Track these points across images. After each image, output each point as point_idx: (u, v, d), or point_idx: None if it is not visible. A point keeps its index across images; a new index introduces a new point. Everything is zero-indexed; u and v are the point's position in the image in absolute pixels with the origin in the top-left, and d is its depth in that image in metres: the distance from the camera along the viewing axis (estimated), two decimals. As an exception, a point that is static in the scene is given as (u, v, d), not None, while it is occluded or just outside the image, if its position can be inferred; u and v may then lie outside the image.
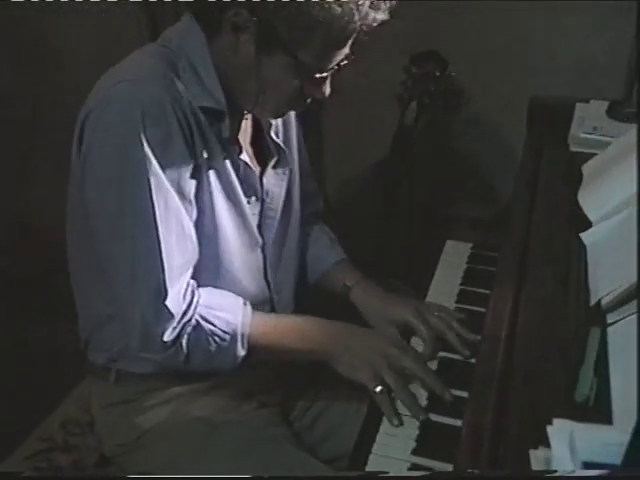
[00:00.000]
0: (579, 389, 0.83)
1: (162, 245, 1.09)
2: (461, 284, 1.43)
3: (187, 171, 1.12)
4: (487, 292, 1.34)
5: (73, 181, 1.18)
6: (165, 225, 1.09)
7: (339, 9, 1.05)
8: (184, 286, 1.13)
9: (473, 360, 1.17)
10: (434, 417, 1.10)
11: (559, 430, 0.65)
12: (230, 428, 1.24)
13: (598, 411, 0.80)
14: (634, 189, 1.10)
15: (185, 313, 1.12)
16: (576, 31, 1.80)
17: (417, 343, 1.24)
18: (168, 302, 1.10)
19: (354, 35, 1.10)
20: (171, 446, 1.24)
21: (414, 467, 1.05)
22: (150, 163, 1.07)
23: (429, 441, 1.07)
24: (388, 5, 1.09)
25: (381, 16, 1.09)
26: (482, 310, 1.28)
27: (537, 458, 0.65)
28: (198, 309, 1.14)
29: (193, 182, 1.13)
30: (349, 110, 2.02)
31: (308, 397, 1.35)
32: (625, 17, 1.63)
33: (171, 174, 1.09)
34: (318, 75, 1.13)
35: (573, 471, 0.59)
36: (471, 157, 2.00)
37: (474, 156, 2.00)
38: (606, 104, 1.56)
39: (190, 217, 1.14)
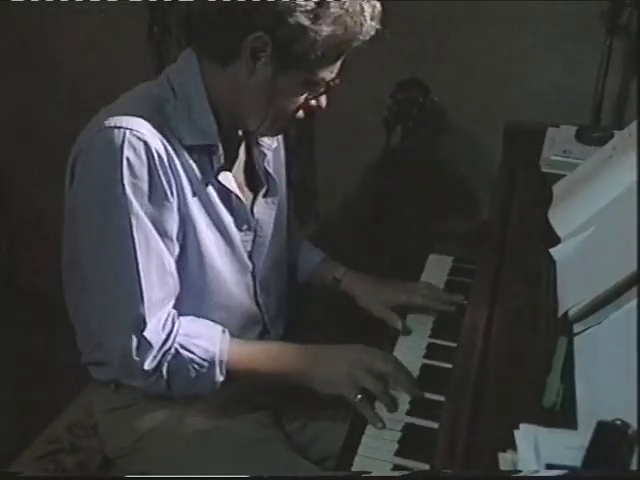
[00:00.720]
0: (547, 395, 0.83)
1: (142, 280, 1.09)
2: (443, 294, 1.45)
3: (168, 211, 1.12)
4: (466, 302, 1.36)
5: (66, 211, 1.19)
6: (146, 262, 1.10)
7: (350, 21, 1.08)
8: (164, 317, 1.13)
9: (451, 366, 1.18)
10: (415, 421, 1.10)
11: (525, 434, 0.65)
12: (223, 431, 1.23)
13: (564, 416, 0.80)
14: (599, 208, 1.11)
15: (165, 342, 1.12)
16: (549, 64, 1.82)
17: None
18: (146, 333, 1.10)
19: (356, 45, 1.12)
20: (167, 449, 1.24)
21: (397, 468, 1.04)
22: (131, 205, 1.08)
23: (410, 443, 1.07)
24: (379, 14, 1.12)
25: (376, 26, 1.11)
26: (462, 319, 1.31)
27: (505, 460, 0.65)
28: (178, 338, 1.13)
29: (175, 221, 1.13)
30: (340, 133, 2.03)
31: (298, 401, 1.34)
32: (591, 53, 1.66)
33: (152, 215, 1.10)
34: (324, 87, 1.15)
35: (537, 471, 0.58)
36: (452, 176, 2.01)
37: (455, 175, 2.01)
38: (574, 129, 1.55)
39: (171, 254, 1.14)
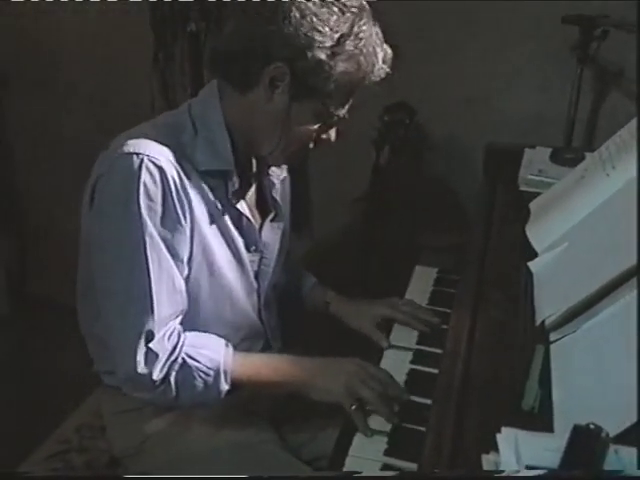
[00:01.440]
0: (525, 399, 0.83)
1: (154, 297, 1.10)
2: (428, 304, 1.44)
3: (180, 234, 1.12)
4: (450, 311, 1.37)
5: (83, 230, 1.19)
6: (157, 280, 1.10)
7: (364, 60, 1.10)
8: (170, 330, 1.12)
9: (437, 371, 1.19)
10: (405, 424, 1.09)
11: (506, 437, 0.65)
12: (224, 434, 1.23)
13: (542, 419, 0.80)
14: (572, 225, 1.12)
15: (172, 353, 1.11)
16: (526, 89, 1.82)
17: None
18: (152, 344, 1.10)
19: (367, 84, 1.13)
20: (172, 450, 1.23)
21: (386, 467, 1.04)
22: (146, 227, 1.08)
23: (399, 444, 1.07)
24: (390, 59, 1.14)
25: (387, 69, 1.14)
26: (445, 327, 1.31)
27: (488, 462, 0.65)
28: (184, 349, 1.13)
29: (186, 244, 1.13)
30: (333, 152, 2.02)
31: (293, 406, 1.33)
32: (564, 80, 1.66)
33: (165, 236, 1.10)
34: (334, 119, 1.16)
35: (517, 471, 0.58)
36: (436, 193, 2.01)
37: (439, 192, 2.01)
38: (549, 150, 1.57)
39: (181, 274, 1.14)
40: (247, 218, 1.23)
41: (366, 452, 1.08)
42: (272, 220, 1.30)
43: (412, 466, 1.03)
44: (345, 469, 1.05)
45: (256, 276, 1.30)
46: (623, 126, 1.26)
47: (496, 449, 0.66)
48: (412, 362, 1.25)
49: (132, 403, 1.26)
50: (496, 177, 1.55)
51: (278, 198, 1.31)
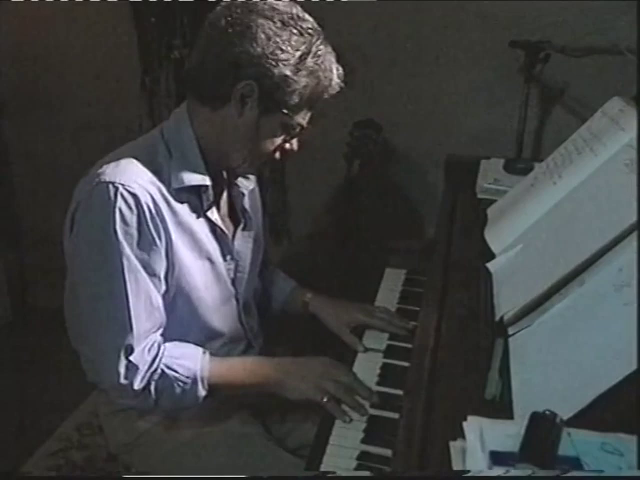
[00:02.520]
0: (488, 389, 0.83)
1: (132, 314, 1.08)
2: (398, 303, 1.43)
3: (156, 254, 1.10)
4: (418, 309, 1.36)
5: (66, 254, 1.17)
6: (135, 298, 1.08)
7: (322, 75, 1.10)
8: (150, 343, 1.11)
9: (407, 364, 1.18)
10: (379, 412, 1.09)
11: (471, 425, 0.65)
12: (212, 427, 1.21)
13: (503, 407, 0.79)
14: (525, 228, 1.12)
15: (151, 364, 1.10)
16: (480, 106, 1.84)
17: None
18: (132, 357, 1.08)
19: (326, 97, 1.14)
20: (164, 444, 1.21)
21: (363, 454, 1.03)
22: (123, 249, 1.06)
23: (375, 432, 1.06)
24: (342, 75, 1.14)
25: (342, 84, 1.14)
26: (415, 323, 1.30)
27: (455, 448, 0.64)
28: (163, 360, 1.11)
29: (163, 262, 1.12)
30: (308, 165, 2.03)
31: (277, 400, 1.33)
32: (514, 96, 1.67)
33: (141, 257, 1.08)
34: (298, 130, 1.15)
35: (481, 471, 0.57)
36: (402, 201, 2.02)
37: (405, 200, 2.01)
38: (502, 161, 1.58)
39: (158, 291, 1.12)
40: (220, 229, 1.21)
41: (345, 440, 1.07)
42: (243, 229, 1.29)
43: (387, 452, 1.02)
44: (326, 457, 1.05)
45: (233, 283, 1.28)
46: (566, 138, 1.27)
47: (463, 436, 0.65)
48: (384, 357, 1.25)
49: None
50: (456, 186, 1.55)
51: (248, 208, 1.30)
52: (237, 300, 1.30)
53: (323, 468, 1.02)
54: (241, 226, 1.29)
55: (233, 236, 1.27)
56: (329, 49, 1.13)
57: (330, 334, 1.39)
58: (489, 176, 1.51)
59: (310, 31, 1.09)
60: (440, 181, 1.68)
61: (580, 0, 1.65)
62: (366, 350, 1.27)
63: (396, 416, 1.06)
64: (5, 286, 2.49)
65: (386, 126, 1.87)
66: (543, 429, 0.58)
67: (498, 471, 0.56)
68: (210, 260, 1.21)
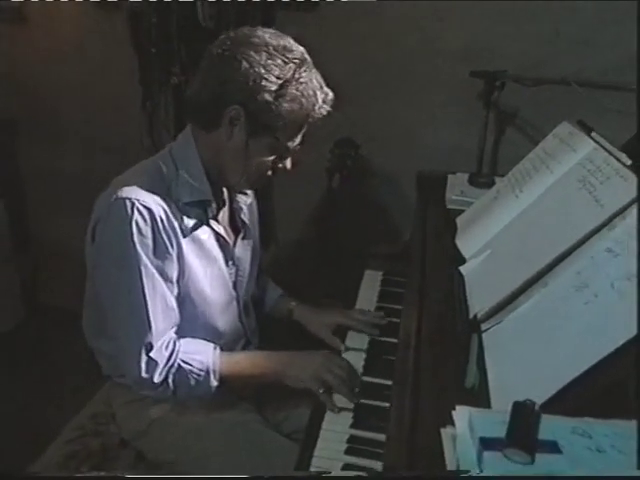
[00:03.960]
0: (467, 379, 0.83)
1: (150, 315, 1.08)
2: (377, 301, 1.44)
3: (169, 261, 1.10)
4: (395, 307, 1.37)
5: (88, 263, 1.15)
6: (152, 301, 1.08)
7: (305, 102, 1.08)
8: (167, 340, 1.10)
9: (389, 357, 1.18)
10: (367, 401, 1.09)
11: (461, 414, 0.64)
12: (215, 416, 1.20)
13: (481, 394, 0.79)
14: (492, 235, 1.12)
15: (169, 360, 1.10)
16: (446, 126, 1.84)
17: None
18: (152, 354, 1.08)
19: (311, 121, 1.12)
20: (172, 431, 1.20)
21: (352, 438, 1.03)
22: (141, 258, 1.06)
23: (362, 418, 1.07)
24: (331, 100, 1.12)
25: (328, 108, 1.12)
26: (393, 320, 1.31)
27: (446, 435, 0.63)
28: (179, 355, 1.11)
29: (175, 268, 1.11)
30: (293, 179, 2.01)
31: (273, 391, 1.31)
32: (475, 118, 1.67)
33: (156, 264, 1.08)
34: (287, 151, 1.14)
35: (479, 472, 0.56)
36: (378, 211, 2.02)
37: (381, 210, 2.02)
38: (467, 175, 1.58)
39: (172, 294, 1.12)
40: (223, 238, 1.21)
41: (336, 425, 1.07)
42: (243, 238, 1.28)
43: (375, 435, 1.02)
44: (319, 440, 1.04)
45: (234, 286, 1.27)
46: (518, 155, 1.28)
47: (451, 422, 0.65)
48: (367, 351, 1.25)
49: (137, 395, 1.22)
50: (427, 198, 1.54)
51: (246, 220, 1.30)
52: (238, 302, 1.29)
53: (317, 451, 1.02)
54: (241, 235, 1.28)
55: (234, 244, 1.26)
56: (314, 76, 1.10)
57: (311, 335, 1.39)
58: (456, 189, 1.51)
59: (295, 60, 1.08)
60: (412, 193, 1.67)
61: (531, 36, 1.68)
62: (347, 349, 1.26)
63: (380, 404, 1.06)
64: (18, 287, 2.43)
65: (363, 144, 1.87)
66: (524, 416, 0.58)
67: (488, 456, 0.56)
68: (215, 266, 1.20)
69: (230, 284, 1.26)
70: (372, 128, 1.90)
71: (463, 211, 1.34)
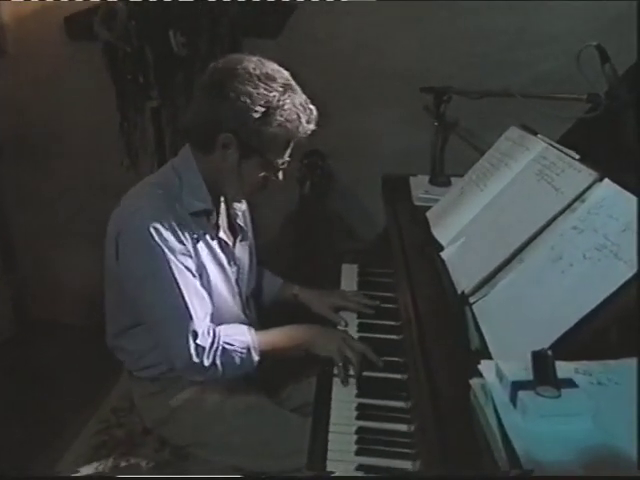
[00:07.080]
0: (472, 343, 0.87)
1: (189, 305, 1.07)
2: (357, 290, 1.46)
3: (188, 257, 1.10)
4: (374, 293, 1.39)
5: (112, 272, 1.13)
6: (187, 293, 1.08)
7: (290, 125, 1.09)
8: (207, 327, 1.10)
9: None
10: (371, 374, 1.13)
11: (487, 366, 0.67)
12: (230, 401, 1.20)
13: (484, 355, 0.82)
14: (464, 224, 1.16)
15: (212, 344, 1.09)
16: (402, 134, 1.89)
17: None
18: (199, 341, 1.07)
19: (297, 140, 1.14)
20: (193, 416, 1.19)
21: (360, 405, 1.06)
22: (169, 258, 1.06)
23: (365, 388, 1.10)
24: (315, 118, 1.14)
25: (312, 127, 1.13)
26: (383, 305, 1.35)
27: (475, 384, 0.66)
28: (222, 339, 1.11)
29: (195, 266, 1.11)
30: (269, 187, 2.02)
31: (277, 374, 1.33)
32: (427, 127, 1.69)
33: (183, 262, 1.08)
34: (277, 167, 1.15)
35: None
36: (347, 212, 2.05)
37: (348, 211, 2.05)
38: (427, 177, 1.62)
39: (201, 286, 1.12)
40: (224, 241, 1.22)
41: (344, 396, 1.10)
42: (241, 241, 1.30)
43: (379, 402, 1.05)
44: (332, 410, 1.06)
45: (237, 282, 1.28)
46: (459, 158, 1.36)
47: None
48: (358, 332, 1.28)
49: (156, 387, 1.21)
50: (393, 197, 1.55)
51: (242, 224, 1.31)
52: (240, 296, 1.30)
53: (333, 419, 1.03)
54: (239, 238, 1.30)
55: (234, 246, 1.27)
56: (297, 100, 1.10)
57: (311, 321, 1.40)
58: (421, 188, 1.55)
59: (279, 89, 1.08)
60: (375, 196, 1.68)
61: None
62: (347, 325, 1.30)
63: (378, 375, 1.10)
64: (10, 303, 2.28)
65: (329, 155, 1.91)
66: (543, 361, 0.63)
67: (523, 395, 0.60)
68: (221, 265, 1.21)
69: (233, 281, 1.27)
70: (336, 140, 1.93)
71: (429, 207, 1.37)
